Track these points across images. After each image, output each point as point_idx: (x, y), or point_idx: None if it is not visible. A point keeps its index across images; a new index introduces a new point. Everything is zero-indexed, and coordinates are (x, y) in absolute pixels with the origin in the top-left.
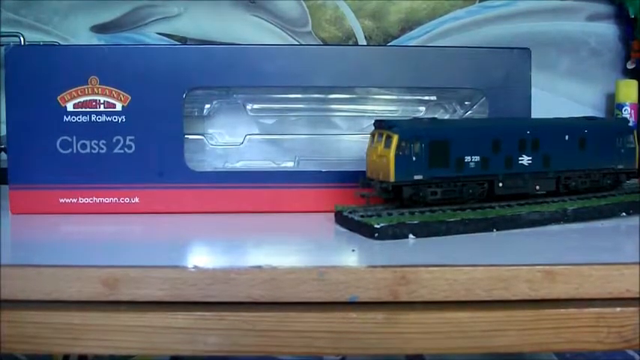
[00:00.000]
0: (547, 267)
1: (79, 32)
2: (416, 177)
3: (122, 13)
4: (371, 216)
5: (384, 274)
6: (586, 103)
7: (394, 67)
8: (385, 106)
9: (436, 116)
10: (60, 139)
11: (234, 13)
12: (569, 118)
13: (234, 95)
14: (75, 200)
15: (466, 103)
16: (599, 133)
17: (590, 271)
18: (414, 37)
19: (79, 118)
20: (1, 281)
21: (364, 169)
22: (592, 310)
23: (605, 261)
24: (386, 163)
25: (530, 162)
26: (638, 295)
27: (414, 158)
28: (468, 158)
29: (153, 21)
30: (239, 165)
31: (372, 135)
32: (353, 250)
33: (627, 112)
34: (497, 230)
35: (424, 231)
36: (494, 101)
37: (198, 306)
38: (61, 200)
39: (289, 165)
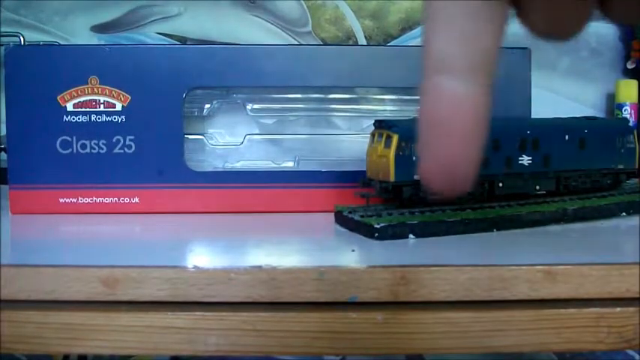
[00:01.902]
0: (547, 267)
1: (79, 32)
2: (416, 177)
3: (122, 13)
4: (371, 216)
5: (384, 274)
6: (586, 103)
7: (394, 67)
8: (385, 106)
9: None
10: (60, 139)
11: (234, 13)
12: (569, 118)
13: (234, 95)
14: (75, 200)
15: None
16: (599, 133)
17: (590, 271)
18: (414, 37)
19: (79, 118)
20: (1, 281)
21: (364, 169)
22: (592, 310)
23: (605, 261)
24: (386, 163)
25: (530, 162)
26: (638, 295)
27: (414, 158)
28: None
29: (153, 21)
30: (239, 165)
31: (372, 135)
32: (353, 250)
33: (627, 112)
34: (498, 230)
35: (424, 231)
36: (494, 101)
37: (198, 306)
38: (61, 200)
39: (289, 165)
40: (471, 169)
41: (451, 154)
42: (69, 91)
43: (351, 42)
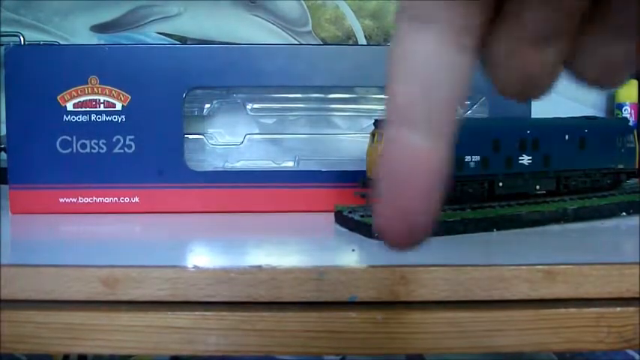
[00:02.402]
0: (547, 267)
1: (79, 32)
2: None
3: (122, 13)
4: (371, 216)
5: (384, 274)
6: (586, 103)
7: None
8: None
9: None
10: (60, 138)
11: (234, 13)
12: (569, 118)
13: (234, 95)
14: (75, 200)
15: (466, 102)
16: (599, 133)
17: (590, 271)
18: None
19: (78, 118)
20: (1, 281)
21: (364, 169)
22: (592, 310)
23: (605, 261)
24: None
25: (530, 162)
26: (638, 295)
27: None
28: (468, 158)
29: (153, 20)
30: (239, 165)
31: (372, 135)
32: (353, 250)
33: (627, 112)
34: (498, 230)
35: None
36: (495, 101)
37: (198, 306)
38: (61, 200)
39: (289, 165)
40: (428, 222)
41: (408, 207)
42: (69, 90)
43: (351, 42)
